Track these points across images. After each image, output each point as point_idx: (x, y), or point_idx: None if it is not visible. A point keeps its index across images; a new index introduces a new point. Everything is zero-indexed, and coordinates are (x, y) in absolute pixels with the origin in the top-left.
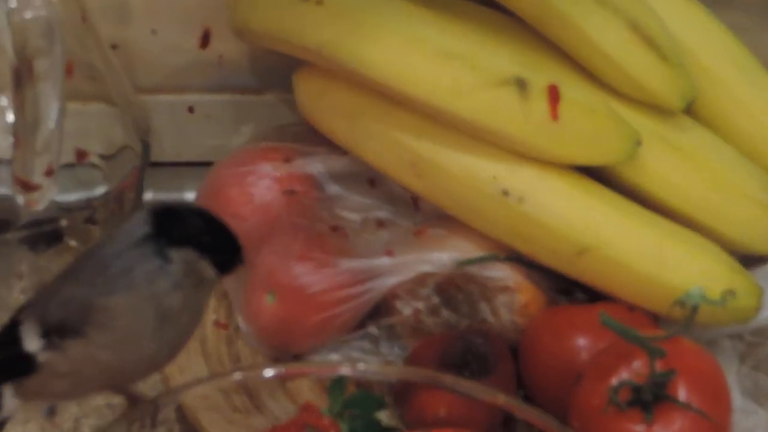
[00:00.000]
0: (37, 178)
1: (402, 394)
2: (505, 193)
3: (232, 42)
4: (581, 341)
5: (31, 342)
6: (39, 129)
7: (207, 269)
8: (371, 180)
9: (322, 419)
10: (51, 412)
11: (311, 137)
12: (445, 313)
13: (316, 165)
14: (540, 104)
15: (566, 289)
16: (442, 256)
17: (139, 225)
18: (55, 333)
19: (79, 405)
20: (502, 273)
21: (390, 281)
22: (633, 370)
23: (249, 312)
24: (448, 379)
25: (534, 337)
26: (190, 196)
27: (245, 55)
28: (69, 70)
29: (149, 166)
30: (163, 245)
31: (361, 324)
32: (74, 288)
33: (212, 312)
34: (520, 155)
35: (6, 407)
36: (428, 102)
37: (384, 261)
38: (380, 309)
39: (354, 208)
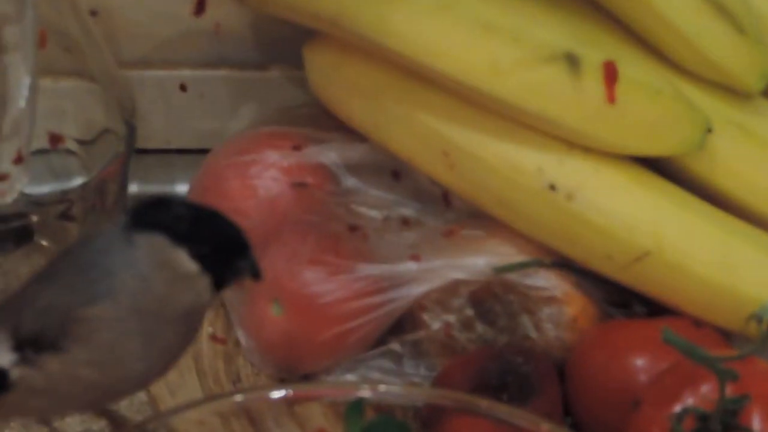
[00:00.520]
0: (4, 166)
1: (430, 420)
2: (552, 187)
3: (232, 8)
4: (639, 361)
5: (2, 356)
6: (7, 109)
7: (185, 262)
8: (395, 172)
9: None
10: (43, 420)
11: (324, 121)
12: (481, 328)
13: (330, 153)
14: (594, 84)
15: (622, 300)
16: (476, 261)
17: (123, 217)
18: (29, 346)
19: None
20: (547, 281)
21: (416, 290)
22: (700, 396)
23: (251, 324)
24: (484, 403)
25: (584, 355)
26: (181, 188)
27: (246, 24)
28: (42, 41)
29: (135, 152)
30: (131, 231)
31: (382, 340)
32: (51, 294)
33: (208, 324)
34: (570, 144)
35: None
36: (463, 81)
37: (409, 266)
38: (404, 322)
39: (374, 204)
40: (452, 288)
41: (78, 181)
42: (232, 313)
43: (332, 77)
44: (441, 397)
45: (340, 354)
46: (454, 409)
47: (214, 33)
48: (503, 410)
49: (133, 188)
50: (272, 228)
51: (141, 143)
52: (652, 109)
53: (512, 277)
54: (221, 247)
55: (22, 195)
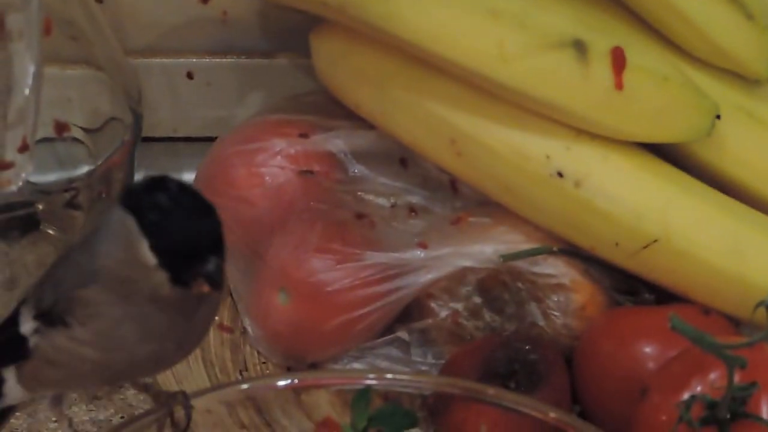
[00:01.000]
0: (10, 154)
1: (437, 408)
2: (560, 175)
3: None
4: (647, 349)
5: (26, 324)
6: (12, 97)
7: (144, 252)
8: (402, 159)
9: None
10: (55, 402)
11: (331, 108)
12: (488, 316)
13: (337, 141)
14: (602, 71)
15: (630, 288)
16: (484, 248)
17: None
18: (45, 318)
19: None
20: (555, 269)
21: (424, 278)
22: (708, 383)
23: (258, 313)
24: (491, 391)
25: (592, 343)
26: (188, 176)
27: (253, 11)
28: (47, 28)
29: (141, 141)
30: (116, 206)
31: (390, 328)
32: (63, 270)
33: None
34: (578, 131)
35: (9, 394)
36: (470, 67)
37: (417, 254)
38: (412, 310)
39: (381, 192)
40: (460, 276)
41: (84, 169)
42: (238, 302)
43: (339, 65)
44: (448, 385)
45: (347, 342)
46: (461, 398)
47: (221, 21)
48: (511, 398)
49: (140, 176)
50: (279, 216)
51: (147, 131)
52: (660, 95)
53: (520, 264)
54: (185, 246)
55: (28, 183)
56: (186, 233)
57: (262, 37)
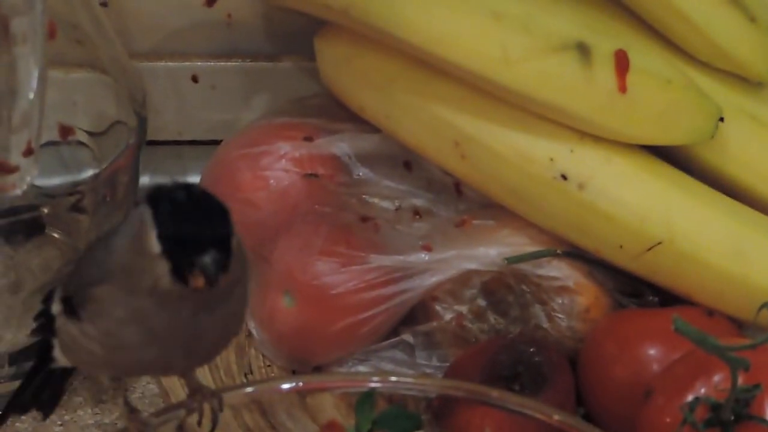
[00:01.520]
0: (15, 158)
1: (441, 411)
2: (564, 177)
3: None
4: (651, 351)
5: (55, 304)
6: (16, 100)
7: (150, 239)
8: (406, 162)
9: None
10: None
11: (336, 112)
12: (493, 318)
13: (341, 144)
14: (605, 74)
15: (634, 290)
16: (488, 251)
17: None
18: (66, 304)
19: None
20: (560, 271)
21: (428, 281)
22: (711, 385)
23: (263, 316)
24: (496, 393)
25: (596, 345)
26: (193, 179)
27: (258, 14)
28: (51, 32)
29: (146, 144)
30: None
31: (394, 331)
32: (85, 262)
33: None
34: (582, 134)
35: (58, 359)
36: (473, 70)
37: (421, 257)
38: (416, 313)
39: (386, 195)
40: (464, 278)
41: (89, 173)
42: None
43: (343, 68)
44: (453, 388)
45: (352, 345)
46: (465, 400)
47: (226, 24)
48: (515, 401)
49: (145, 180)
50: (283, 219)
51: (152, 135)
52: (663, 98)
53: (524, 267)
54: (188, 237)
55: (33, 187)
56: (193, 226)
57: (266, 41)
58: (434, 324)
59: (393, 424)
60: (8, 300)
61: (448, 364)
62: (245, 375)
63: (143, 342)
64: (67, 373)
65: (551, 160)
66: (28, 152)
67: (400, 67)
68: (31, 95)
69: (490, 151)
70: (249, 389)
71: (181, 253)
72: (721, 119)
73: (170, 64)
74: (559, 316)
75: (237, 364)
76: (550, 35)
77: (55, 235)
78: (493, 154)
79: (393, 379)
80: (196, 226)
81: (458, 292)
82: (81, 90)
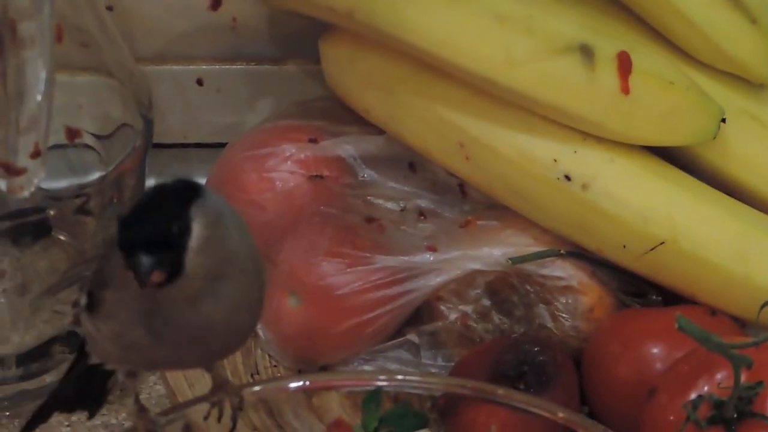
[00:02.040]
0: (22, 160)
1: (447, 409)
2: (567, 178)
3: (248, 3)
4: (655, 350)
5: (83, 297)
6: (24, 103)
7: (115, 228)
8: (411, 164)
9: None
10: (130, 376)
11: (341, 114)
12: (497, 318)
13: (346, 146)
14: (608, 76)
15: (638, 290)
16: (493, 251)
17: None
18: (88, 298)
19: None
20: (564, 271)
21: (433, 281)
22: (714, 383)
23: (269, 316)
24: (502, 391)
25: (600, 345)
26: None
27: (263, 18)
28: (58, 36)
29: (152, 147)
30: None
31: (399, 331)
32: (101, 263)
33: None
34: (585, 135)
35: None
36: (477, 72)
37: (426, 258)
38: (421, 313)
39: (391, 196)
40: (469, 279)
41: (95, 175)
42: None
43: (348, 70)
44: (458, 386)
45: (358, 345)
46: (471, 398)
47: (231, 28)
48: (520, 398)
49: (151, 182)
50: (289, 220)
51: (158, 138)
52: (665, 99)
53: (528, 267)
54: (128, 239)
55: (40, 190)
56: (133, 228)
57: (271, 44)
58: (439, 324)
59: (399, 423)
60: (15, 302)
61: (452, 364)
62: (251, 375)
63: (151, 342)
64: (108, 371)
65: (555, 161)
66: (36, 154)
67: (404, 70)
68: (39, 98)
69: (494, 152)
70: (256, 388)
71: (124, 254)
72: (723, 120)
73: (175, 67)
74: (563, 315)
75: (243, 364)
76: (553, 37)
77: (62, 238)
78: (497, 155)
79: (399, 377)
80: (135, 228)
81: (463, 293)
82: (87, 93)
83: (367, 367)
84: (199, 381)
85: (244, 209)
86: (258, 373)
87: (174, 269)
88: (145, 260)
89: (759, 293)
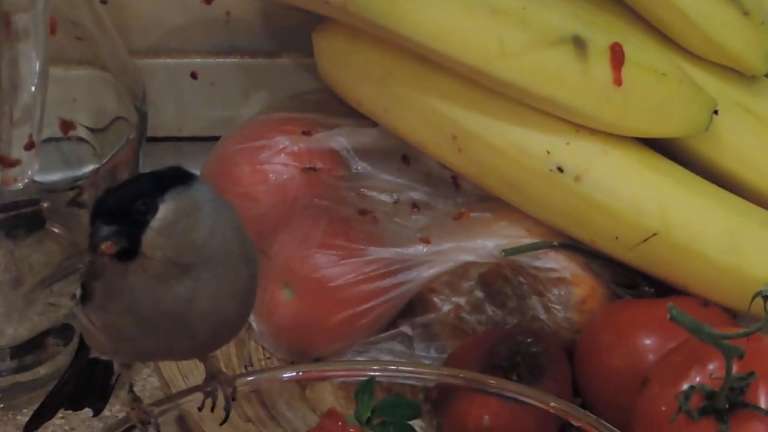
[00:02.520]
0: (16, 152)
1: (440, 399)
2: (560, 169)
3: None
4: (647, 340)
5: (78, 289)
6: (17, 95)
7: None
8: (404, 156)
9: (348, 428)
10: (125, 367)
11: (334, 106)
12: (490, 310)
13: (340, 139)
14: (601, 67)
15: (630, 281)
16: (486, 243)
17: None
18: (83, 289)
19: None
20: (556, 263)
21: (426, 273)
22: (706, 374)
23: (262, 308)
24: (494, 382)
25: (592, 336)
26: None
27: (257, 11)
28: (52, 29)
29: (146, 140)
30: None
31: (393, 323)
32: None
33: None
34: (577, 127)
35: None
36: (470, 64)
37: (419, 250)
38: (415, 305)
39: (384, 188)
40: (462, 270)
41: (89, 168)
42: None
43: (341, 63)
44: (451, 377)
45: (351, 337)
46: (463, 388)
47: (225, 21)
48: (513, 388)
49: None
50: (282, 213)
51: (152, 131)
52: (658, 91)
53: (521, 258)
54: (93, 215)
55: (34, 182)
56: (97, 205)
57: (265, 37)
58: (432, 316)
59: (392, 412)
60: (9, 294)
61: (446, 356)
62: (245, 367)
63: (138, 331)
64: (110, 367)
65: (547, 152)
66: (30, 146)
67: (397, 62)
68: (33, 90)
69: (486, 144)
70: (249, 378)
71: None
72: (716, 112)
73: (169, 61)
74: (556, 307)
75: (237, 356)
76: (546, 29)
77: (56, 230)
78: (490, 147)
79: (392, 367)
80: (106, 199)
81: (456, 284)
82: (81, 86)
83: (360, 359)
84: (193, 372)
85: (238, 201)
86: (252, 365)
87: (130, 245)
88: (103, 229)
89: (751, 284)
